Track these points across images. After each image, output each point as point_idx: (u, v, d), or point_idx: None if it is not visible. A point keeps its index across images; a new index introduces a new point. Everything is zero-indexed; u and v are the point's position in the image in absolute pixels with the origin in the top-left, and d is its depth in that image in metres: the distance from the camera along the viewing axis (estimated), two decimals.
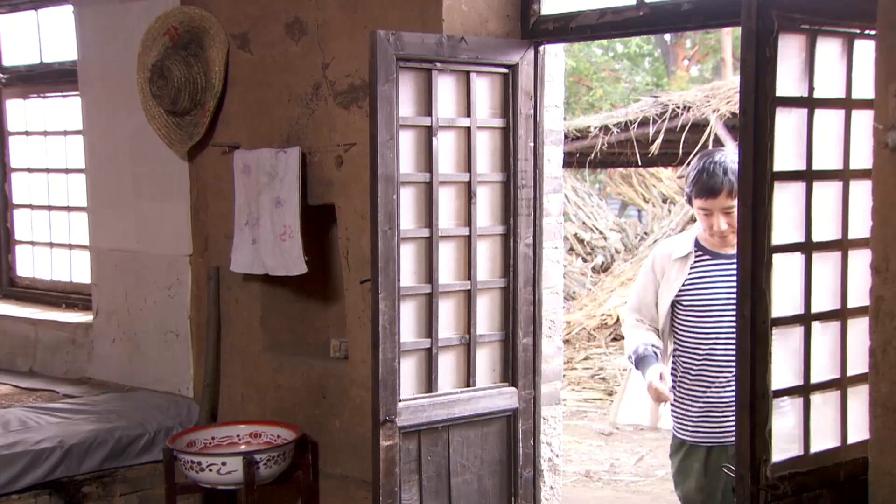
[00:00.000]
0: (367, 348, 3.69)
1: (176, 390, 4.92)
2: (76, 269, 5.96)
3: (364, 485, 4.03)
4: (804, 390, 2.59)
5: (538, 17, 3.87)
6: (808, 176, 2.56)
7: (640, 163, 9.96)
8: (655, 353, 3.53)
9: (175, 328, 4.94)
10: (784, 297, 2.53)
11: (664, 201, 13.75)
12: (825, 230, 2.61)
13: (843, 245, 2.64)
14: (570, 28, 3.78)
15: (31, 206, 6.27)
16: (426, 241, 3.68)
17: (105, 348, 5.33)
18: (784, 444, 2.55)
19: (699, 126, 8.93)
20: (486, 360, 3.85)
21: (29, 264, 6.35)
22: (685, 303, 3.49)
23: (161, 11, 4.72)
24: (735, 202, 3.21)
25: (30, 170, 6.26)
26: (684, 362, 3.52)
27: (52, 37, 5.92)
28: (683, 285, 3.48)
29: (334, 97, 4.14)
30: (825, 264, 2.62)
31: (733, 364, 3.24)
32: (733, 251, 3.29)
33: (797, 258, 2.56)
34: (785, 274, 2.53)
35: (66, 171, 5.96)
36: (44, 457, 4.19)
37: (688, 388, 3.50)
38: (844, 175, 2.63)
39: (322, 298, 4.62)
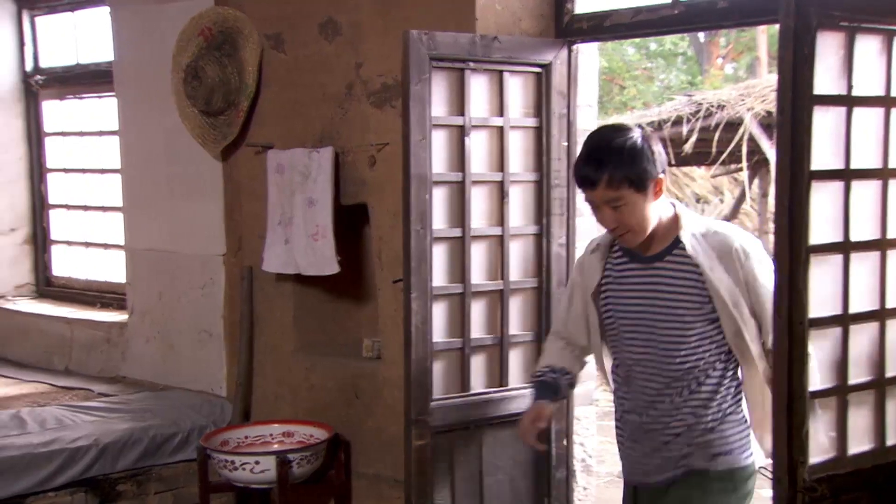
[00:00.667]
0: (400, 348, 3.69)
1: (209, 389, 4.94)
2: (111, 269, 6.01)
3: (396, 484, 4.03)
4: (840, 391, 2.56)
5: (572, 15, 3.86)
6: (846, 175, 2.52)
7: (673, 162, 9.89)
8: (556, 382, 3.03)
9: (208, 327, 4.97)
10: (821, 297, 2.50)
11: (697, 201, 13.66)
12: (863, 230, 2.58)
13: (881, 245, 2.60)
14: (604, 27, 3.76)
15: (66, 206, 6.34)
16: (458, 241, 3.67)
17: (139, 347, 5.37)
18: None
19: (733, 125, 8.87)
20: (519, 360, 3.84)
21: (65, 264, 6.42)
22: (602, 309, 2.93)
23: (195, 12, 4.74)
24: (624, 193, 2.68)
25: (66, 170, 6.33)
26: (615, 387, 2.98)
27: (88, 38, 5.98)
28: (600, 287, 2.91)
29: (367, 97, 4.14)
30: (863, 264, 2.59)
31: (655, 392, 2.82)
32: (656, 252, 2.82)
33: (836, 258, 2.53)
34: (822, 274, 2.50)
35: (102, 171, 6.01)
36: (80, 455, 4.23)
37: (620, 416, 2.96)
38: (883, 174, 2.59)
39: (354, 298, 4.62)
